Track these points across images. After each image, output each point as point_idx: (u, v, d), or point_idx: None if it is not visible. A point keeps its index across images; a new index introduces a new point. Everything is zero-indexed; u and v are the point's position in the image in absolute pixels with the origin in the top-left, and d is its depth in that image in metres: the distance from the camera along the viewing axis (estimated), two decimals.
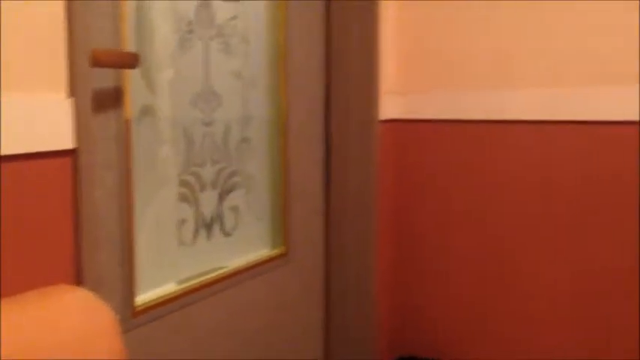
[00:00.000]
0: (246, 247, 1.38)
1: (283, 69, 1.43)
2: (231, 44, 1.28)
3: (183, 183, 1.17)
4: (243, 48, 1.32)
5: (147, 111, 1.07)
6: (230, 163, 1.30)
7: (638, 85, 1.34)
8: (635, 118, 1.34)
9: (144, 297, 1.08)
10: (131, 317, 1.03)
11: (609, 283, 1.42)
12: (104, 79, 0.95)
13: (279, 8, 1.41)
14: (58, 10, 0.82)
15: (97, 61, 0.86)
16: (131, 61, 0.93)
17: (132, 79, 1.03)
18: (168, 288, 1.14)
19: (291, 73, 1.46)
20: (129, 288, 1.02)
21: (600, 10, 1.39)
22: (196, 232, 1.22)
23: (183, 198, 1.17)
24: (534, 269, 1.53)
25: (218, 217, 1.28)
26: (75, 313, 0.65)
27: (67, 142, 0.83)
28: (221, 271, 1.28)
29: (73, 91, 0.84)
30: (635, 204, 1.37)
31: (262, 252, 1.43)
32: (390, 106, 1.66)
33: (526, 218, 1.53)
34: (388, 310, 1.77)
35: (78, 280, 0.86)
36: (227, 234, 1.31)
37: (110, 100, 0.97)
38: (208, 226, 1.25)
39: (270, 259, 1.42)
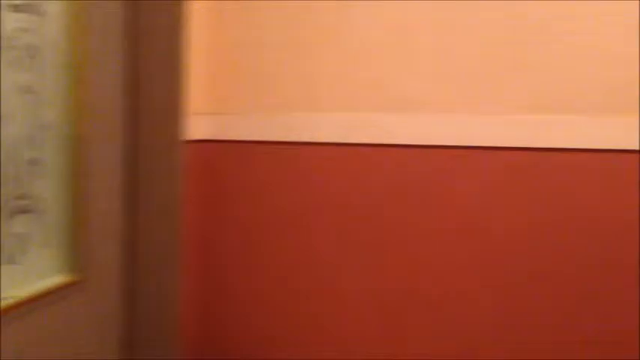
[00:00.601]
0: (35, 275, 1.27)
1: (82, 84, 1.36)
2: (21, 57, 1.19)
3: None
4: (36, 61, 1.23)
5: None
6: (16, 185, 1.20)
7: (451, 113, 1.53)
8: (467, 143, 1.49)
9: None
10: None
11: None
12: None
13: (77, 20, 1.34)
14: None
15: None
16: None
17: None
18: None
19: (91, 89, 1.39)
20: None
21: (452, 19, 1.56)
22: None
23: None
24: (347, 290, 1.61)
25: (1, 244, 1.17)
26: None
27: None
28: (5, 302, 1.16)
29: None
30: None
31: (54, 280, 1.33)
32: (200, 126, 1.66)
33: (340, 238, 1.61)
34: (194, 342, 1.74)
35: None
36: (12, 261, 1.20)
37: None
38: None
39: (61, 288, 1.33)
